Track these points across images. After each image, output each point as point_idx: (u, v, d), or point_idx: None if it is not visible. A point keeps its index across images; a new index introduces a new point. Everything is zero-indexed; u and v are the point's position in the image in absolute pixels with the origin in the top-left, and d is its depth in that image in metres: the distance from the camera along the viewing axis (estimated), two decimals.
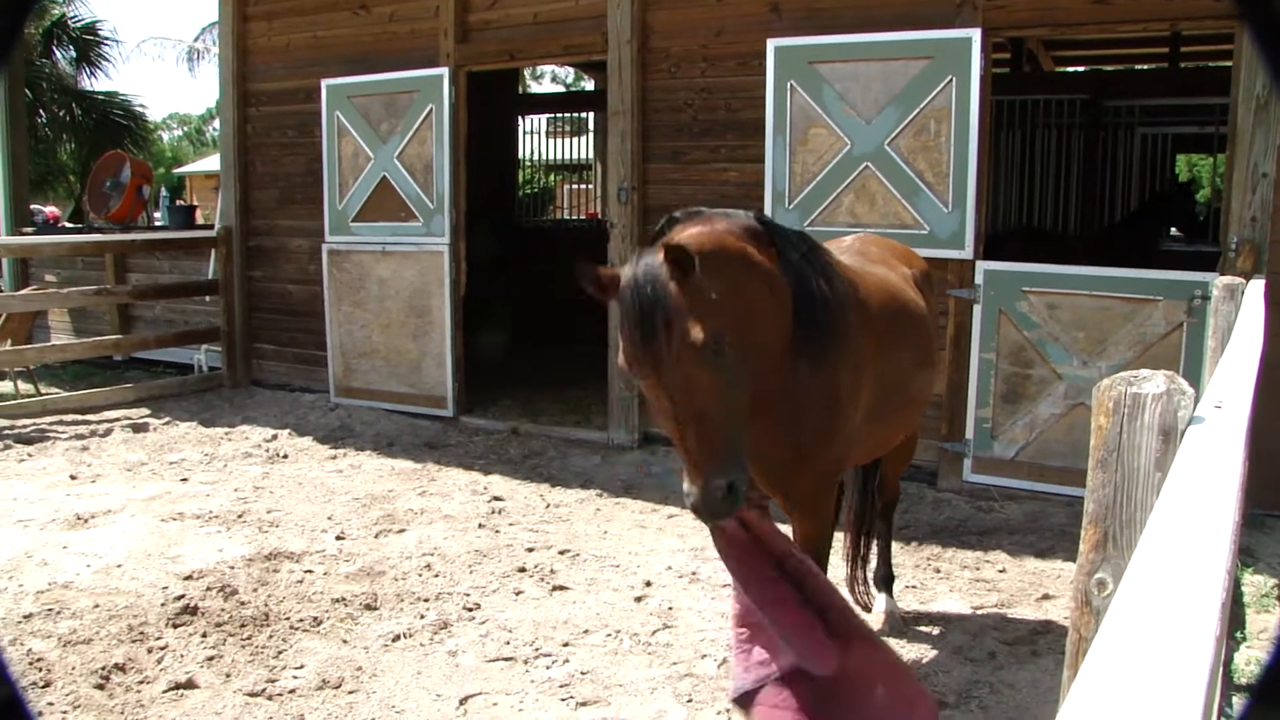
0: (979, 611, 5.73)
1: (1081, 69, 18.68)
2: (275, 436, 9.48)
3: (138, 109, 27.32)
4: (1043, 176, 14.35)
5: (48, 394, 11.29)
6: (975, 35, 7.47)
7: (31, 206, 15.52)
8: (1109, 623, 0.99)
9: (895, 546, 6.08)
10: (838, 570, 5.89)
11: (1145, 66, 18.01)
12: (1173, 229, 13.80)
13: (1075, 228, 14.14)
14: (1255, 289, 5.30)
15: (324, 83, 10.65)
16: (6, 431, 9.61)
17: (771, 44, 8.17)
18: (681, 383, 3.11)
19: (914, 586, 6.03)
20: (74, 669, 4.83)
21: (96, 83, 27.11)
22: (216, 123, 37.60)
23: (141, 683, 4.78)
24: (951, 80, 7.55)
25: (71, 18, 26.58)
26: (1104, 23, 7.67)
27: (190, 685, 4.75)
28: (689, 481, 3.13)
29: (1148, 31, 9.74)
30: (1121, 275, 7.43)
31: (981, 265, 7.65)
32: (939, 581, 6.18)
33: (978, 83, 7.48)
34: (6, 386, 11.73)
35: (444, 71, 9.83)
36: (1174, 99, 14.16)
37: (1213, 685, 0.97)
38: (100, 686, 4.72)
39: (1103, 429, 1.60)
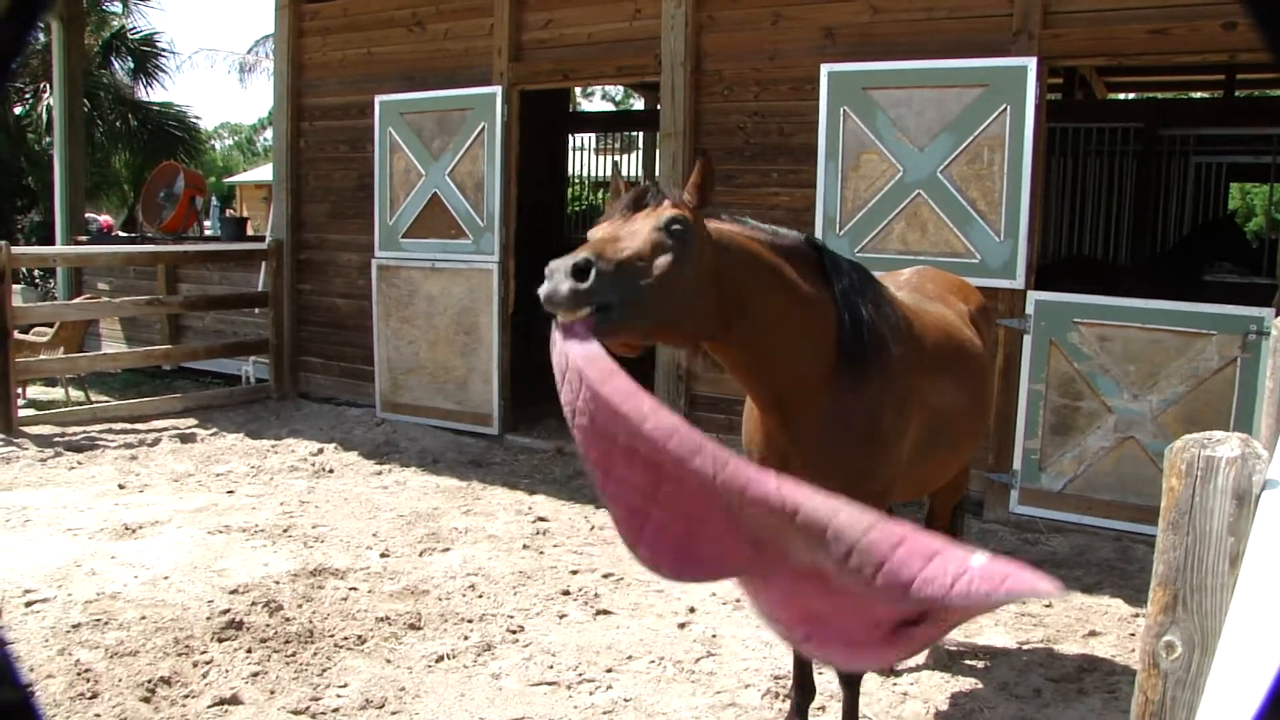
0: (1025, 647, 5.67)
1: (1134, 96, 18.56)
2: (321, 450, 9.54)
3: (192, 120, 27.71)
4: (1094, 204, 14.24)
5: (97, 402, 11.46)
6: (1031, 64, 7.42)
7: (86, 215, 15.75)
8: (1209, 697, 0.98)
9: None
10: None
11: (1200, 94, 17.87)
12: (1223, 261, 13.65)
13: (1125, 257, 14.02)
14: None
15: (377, 99, 10.74)
16: (57, 439, 9.73)
17: (825, 69, 8.16)
18: (625, 227, 3.13)
19: None
20: (120, 681, 4.87)
21: (153, 93, 27.54)
22: (267, 133, 38.04)
23: (187, 697, 4.81)
24: (1006, 109, 7.50)
25: (131, 29, 27.00)
26: (1162, 53, 7.61)
27: (235, 701, 4.78)
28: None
29: (1205, 60, 9.64)
30: (1174, 308, 7.33)
31: (1032, 295, 7.59)
32: (984, 615, 6.11)
33: (1032, 112, 7.43)
34: (58, 393, 11.89)
35: (497, 90, 9.89)
36: (1229, 128, 14.03)
37: None
38: (146, 699, 4.76)
39: (1174, 491, 1.58)
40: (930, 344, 4.16)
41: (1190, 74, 16.10)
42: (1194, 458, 1.57)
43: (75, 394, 11.73)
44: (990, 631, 5.86)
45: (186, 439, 9.98)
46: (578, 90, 29.35)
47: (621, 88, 30.25)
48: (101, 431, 10.19)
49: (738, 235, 3.51)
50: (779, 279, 3.54)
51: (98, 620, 5.53)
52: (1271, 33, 1.01)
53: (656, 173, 9.47)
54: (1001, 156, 7.57)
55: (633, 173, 20.70)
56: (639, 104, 22.05)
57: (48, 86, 19.86)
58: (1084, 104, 15.50)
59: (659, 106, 9.32)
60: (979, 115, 7.61)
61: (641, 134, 20.06)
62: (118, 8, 27.22)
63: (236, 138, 58.65)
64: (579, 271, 2.82)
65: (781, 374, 3.63)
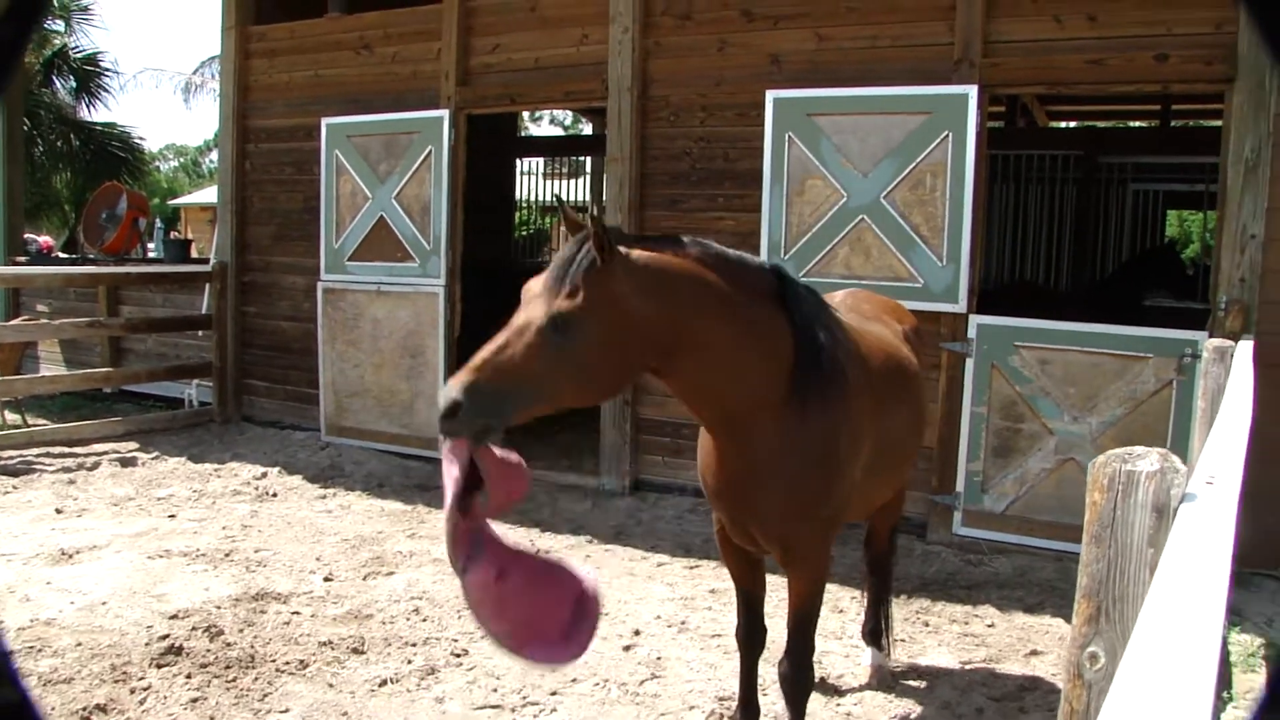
0: (967, 666, 5.71)
1: (1074, 124, 18.90)
2: (265, 474, 9.44)
3: (136, 141, 27.43)
4: (1035, 230, 14.47)
5: (35, 425, 11.26)
6: (972, 92, 7.55)
7: (25, 236, 15.54)
8: (1110, 704, 1.00)
9: None
10: (828, 622, 5.89)
11: (1138, 124, 18.23)
12: (1160, 287, 13.89)
13: (1066, 282, 14.24)
14: (1244, 350, 5.34)
15: (324, 121, 10.71)
16: None
17: (770, 95, 8.24)
18: (518, 323, 3.27)
19: (903, 640, 6.02)
20: (54, 709, 4.79)
21: (95, 113, 27.23)
22: (213, 155, 37.75)
23: None
24: (948, 136, 7.62)
25: (73, 48, 26.70)
26: (1099, 83, 7.75)
27: None
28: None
29: (1140, 90, 9.84)
30: (1113, 332, 7.47)
31: (975, 319, 7.69)
32: (928, 635, 6.16)
33: (974, 139, 7.55)
34: None
35: (444, 114, 9.89)
36: (1166, 157, 14.32)
37: None
38: None
39: (1097, 505, 1.62)
40: (876, 365, 4.22)
41: (1128, 103, 16.41)
42: (1115, 472, 1.61)
43: (12, 417, 11.54)
44: (933, 652, 5.91)
45: (127, 463, 9.85)
46: (526, 115, 29.41)
47: (569, 112, 30.34)
48: (39, 455, 10.03)
49: (681, 266, 3.52)
50: (727, 306, 3.55)
51: (31, 647, 5.43)
52: (1271, 33, 1.03)
53: (604, 197, 9.49)
54: (944, 182, 7.68)
55: (581, 197, 20.73)
56: (587, 128, 22.11)
57: None
58: (1025, 132, 15.76)
59: (606, 131, 9.36)
60: (921, 142, 7.72)
61: (589, 158, 20.11)
62: (60, 26, 26.89)
63: (181, 159, 58.17)
64: (450, 413, 3.04)
65: (730, 398, 3.66)
